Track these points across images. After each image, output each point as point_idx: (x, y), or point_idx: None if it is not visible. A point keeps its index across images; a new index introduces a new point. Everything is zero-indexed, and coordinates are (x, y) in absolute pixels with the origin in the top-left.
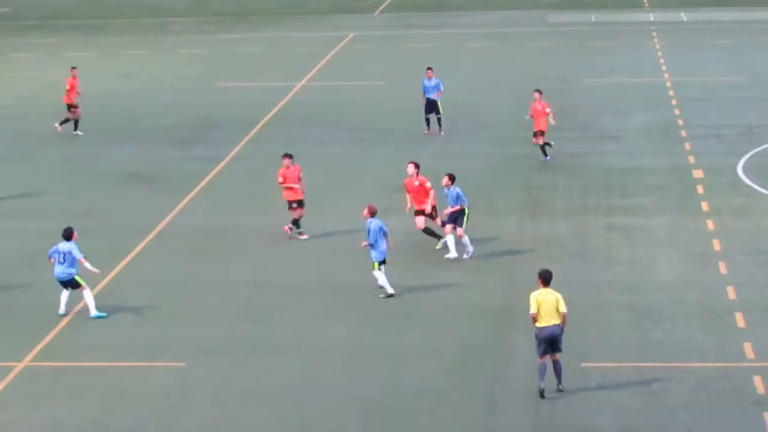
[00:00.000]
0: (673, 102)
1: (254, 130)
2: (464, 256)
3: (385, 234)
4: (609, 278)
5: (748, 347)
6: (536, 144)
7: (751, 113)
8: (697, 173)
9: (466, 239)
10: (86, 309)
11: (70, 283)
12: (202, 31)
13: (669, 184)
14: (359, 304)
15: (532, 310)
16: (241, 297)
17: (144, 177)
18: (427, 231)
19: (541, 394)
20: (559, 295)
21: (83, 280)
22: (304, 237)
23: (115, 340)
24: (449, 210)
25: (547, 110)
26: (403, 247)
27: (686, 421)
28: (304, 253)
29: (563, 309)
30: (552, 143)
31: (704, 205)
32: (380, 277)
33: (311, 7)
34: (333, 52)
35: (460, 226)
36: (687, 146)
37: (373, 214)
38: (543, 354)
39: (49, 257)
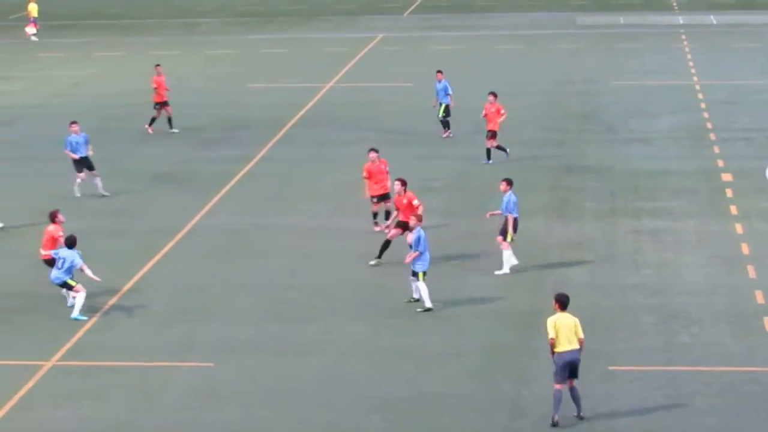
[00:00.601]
0: (702, 105)
1: (282, 131)
2: (497, 271)
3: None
4: (636, 281)
5: None
6: (489, 147)
7: None
8: (726, 176)
9: (506, 253)
10: (113, 309)
11: (65, 286)
12: (230, 32)
13: (697, 187)
14: (384, 305)
15: (551, 335)
16: (267, 297)
17: (172, 177)
18: (386, 244)
19: (555, 424)
20: (576, 320)
21: (75, 281)
22: (378, 229)
23: (142, 340)
24: (490, 213)
25: (502, 111)
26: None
27: (713, 426)
28: (331, 254)
29: (581, 335)
30: (508, 150)
31: (733, 209)
32: (423, 289)
33: (340, 8)
34: (361, 53)
35: (504, 238)
36: (715, 149)
37: (420, 220)
38: (561, 381)
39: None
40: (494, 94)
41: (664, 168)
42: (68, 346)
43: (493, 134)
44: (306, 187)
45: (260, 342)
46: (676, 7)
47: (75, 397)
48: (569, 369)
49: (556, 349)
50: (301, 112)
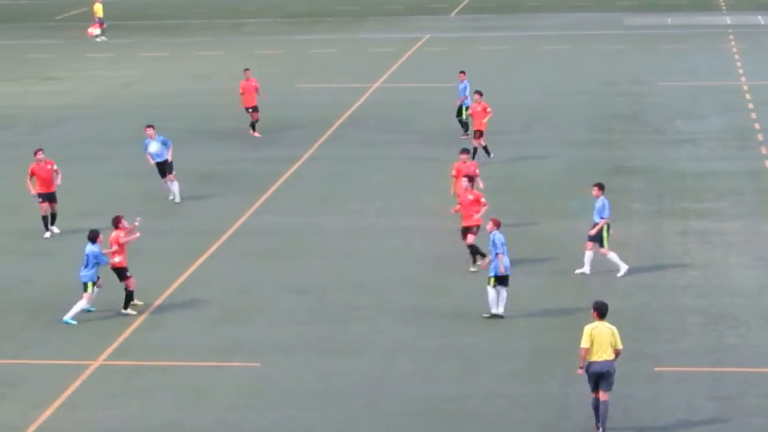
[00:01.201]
0: (750, 106)
1: (329, 131)
2: (617, 274)
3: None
4: (683, 282)
5: None
6: (477, 146)
7: None
8: None
9: (612, 256)
10: (160, 309)
11: (84, 287)
12: (277, 32)
13: (744, 188)
14: (431, 305)
15: (584, 344)
16: (314, 298)
17: (219, 177)
18: (473, 249)
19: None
20: (614, 329)
21: (92, 287)
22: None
23: (188, 340)
24: (593, 231)
25: (489, 110)
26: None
27: (761, 426)
28: (377, 254)
29: (619, 345)
30: (492, 155)
31: None
32: (491, 294)
33: (387, 9)
34: (408, 54)
35: (601, 245)
36: (763, 150)
37: (498, 225)
38: (593, 390)
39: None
40: (480, 93)
41: (712, 169)
42: (115, 345)
43: (479, 133)
44: (353, 187)
45: (307, 342)
46: (724, 8)
47: (122, 396)
48: (598, 379)
49: (589, 358)
50: (348, 112)
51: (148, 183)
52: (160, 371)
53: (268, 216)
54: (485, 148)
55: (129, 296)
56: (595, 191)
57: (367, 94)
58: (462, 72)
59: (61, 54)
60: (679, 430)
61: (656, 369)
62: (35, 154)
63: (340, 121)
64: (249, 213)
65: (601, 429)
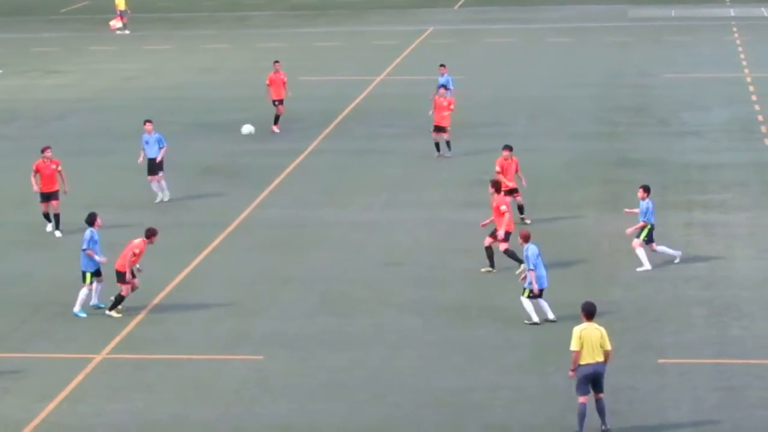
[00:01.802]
0: (754, 98)
1: (333, 124)
2: (639, 269)
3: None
4: (688, 274)
5: None
6: (437, 140)
7: None
8: None
9: (639, 251)
10: (163, 303)
11: (96, 274)
12: (281, 25)
13: (749, 180)
14: (436, 298)
15: (575, 347)
16: (318, 290)
17: (223, 170)
18: (509, 254)
19: None
20: (603, 330)
21: (91, 277)
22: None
23: (193, 333)
24: (631, 229)
25: (452, 107)
26: (480, 242)
27: (764, 418)
28: (381, 247)
29: (608, 346)
30: (441, 152)
31: None
32: (526, 305)
33: (391, 1)
34: (412, 46)
35: (637, 237)
36: (767, 142)
37: (527, 239)
38: (584, 393)
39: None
40: (446, 88)
41: (716, 161)
42: (118, 339)
43: (441, 128)
44: (357, 179)
45: (311, 335)
46: (728, 0)
47: (126, 389)
48: (592, 382)
49: (580, 361)
50: (352, 105)
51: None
52: (164, 365)
53: (272, 209)
54: (437, 144)
55: (118, 300)
56: (640, 193)
57: (371, 87)
58: (442, 65)
59: (65, 47)
60: (683, 422)
61: (660, 361)
62: (43, 151)
63: (344, 113)
64: (253, 206)
65: (604, 426)
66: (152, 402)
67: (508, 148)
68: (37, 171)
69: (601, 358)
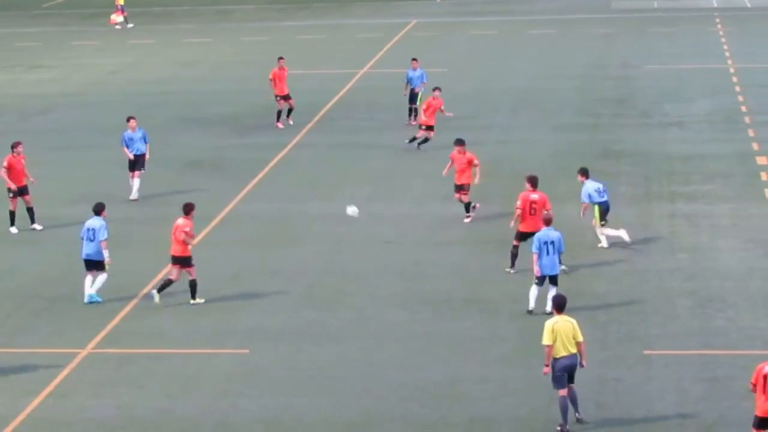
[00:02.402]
0: (737, 88)
1: (316, 117)
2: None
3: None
4: (672, 265)
5: None
6: (428, 137)
7: None
8: (761, 160)
9: (605, 230)
10: (149, 297)
11: (97, 265)
12: (263, 19)
13: (732, 170)
14: (420, 290)
15: (548, 341)
16: (303, 284)
17: (206, 164)
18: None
19: None
20: (574, 322)
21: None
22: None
23: (178, 327)
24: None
25: (442, 108)
26: (464, 234)
27: (749, 409)
28: (367, 240)
29: (580, 338)
30: (410, 141)
31: None
32: (531, 290)
33: None
34: (395, 39)
35: (594, 220)
36: (750, 133)
37: (547, 223)
38: (562, 386)
39: (82, 239)
40: (438, 89)
41: (700, 152)
42: (104, 333)
43: (429, 128)
44: (341, 173)
45: (297, 329)
46: None
47: (111, 384)
48: (567, 374)
49: (554, 355)
50: (336, 98)
51: None
52: (150, 359)
53: (256, 203)
54: (414, 138)
55: (193, 286)
56: (578, 177)
57: (354, 80)
58: (414, 59)
59: (49, 42)
60: (669, 413)
61: (645, 352)
62: (14, 146)
63: (328, 107)
64: (237, 200)
65: (578, 415)
66: (138, 396)
67: (461, 142)
68: (9, 167)
69: (575, 350)
